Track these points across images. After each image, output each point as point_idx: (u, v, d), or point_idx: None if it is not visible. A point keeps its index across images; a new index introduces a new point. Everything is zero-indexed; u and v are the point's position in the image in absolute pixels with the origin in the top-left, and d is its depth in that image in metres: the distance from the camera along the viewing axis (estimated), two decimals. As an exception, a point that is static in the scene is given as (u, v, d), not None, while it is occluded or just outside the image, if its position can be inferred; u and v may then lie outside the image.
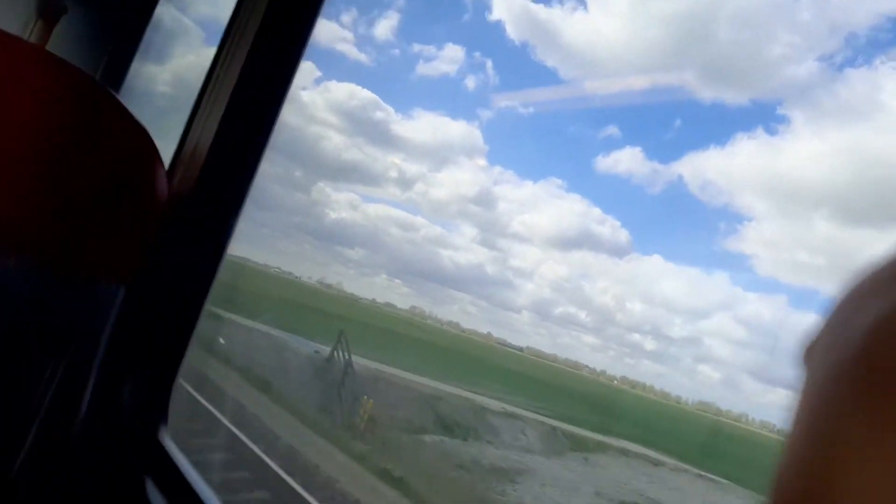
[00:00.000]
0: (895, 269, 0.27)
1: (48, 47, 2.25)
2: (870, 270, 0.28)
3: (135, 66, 2.61)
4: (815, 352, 0.29)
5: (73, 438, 1.50)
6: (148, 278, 1.60)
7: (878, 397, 0.24)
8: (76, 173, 1.46)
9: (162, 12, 2.71)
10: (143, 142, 1.54)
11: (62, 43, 2.34)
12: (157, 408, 1.60)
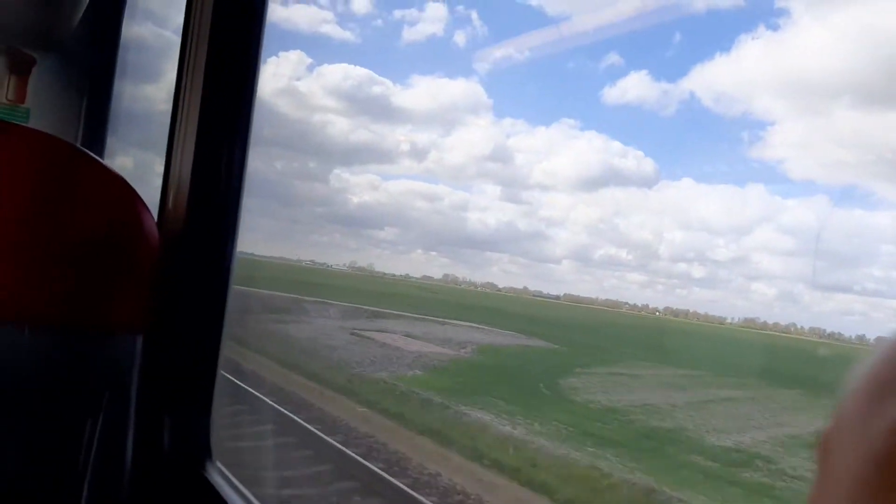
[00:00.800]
0: None
1: (27, 100, 2.26)
2: (887, 359, 0.26)
3: (126, 89, 2.60)
4: (833, 444, 0.27)
5: (124, 492, 1.52)
6: (162, 321, 1.59)
7: None
8: (70, 237, 1.50)
9: (140, 31, 2.68)
10: (123, 192, 1.55)
11: (40, 91, 2.35)
12: (199, 445, 1.61)
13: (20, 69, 2.21)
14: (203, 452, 1.60)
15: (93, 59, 2.46)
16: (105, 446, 1.49)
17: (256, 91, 1.71)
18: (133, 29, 2.63)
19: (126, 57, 2.55)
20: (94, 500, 1.47)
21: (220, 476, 1.55)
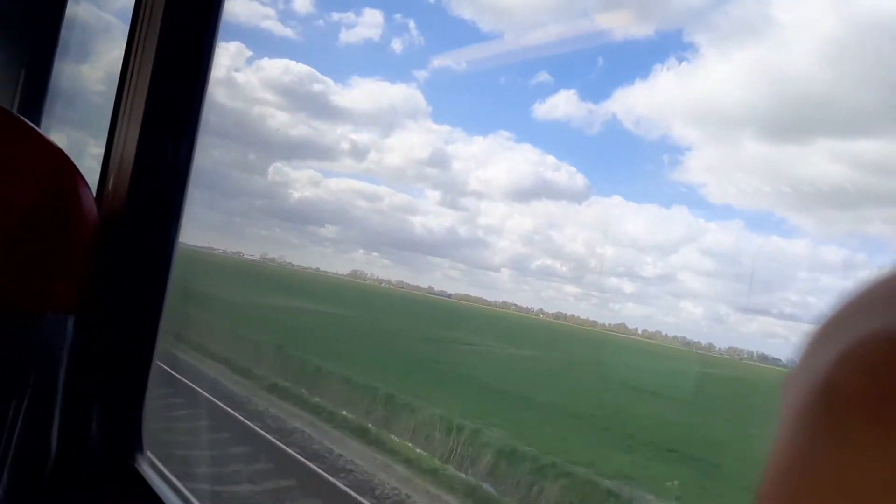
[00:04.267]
0: (859, 304, 0.29)
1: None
2: (839, 306, 0.30)
3: (66, 69, 2.51)
4: (789, 382, 0.31)
5: (47, 479, 1.44)
6: (96, 302, 1.53)
7: (836, 428, 0.26)
8: None
9: (77, 11, 2.60)
10: (60, 163, 1.47)
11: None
12: (130, 434, 1.54)
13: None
14: (133, 443, 1.53)
15: (33, 34, 2.36)
16: (29, 431, 1.41)
17: (209, 79, 1.68)
18: (78, 7, 2.56)
19: (69, 36, 2.47)
20: (14, 486, 1.39)
21: (151, 468, 1.49)
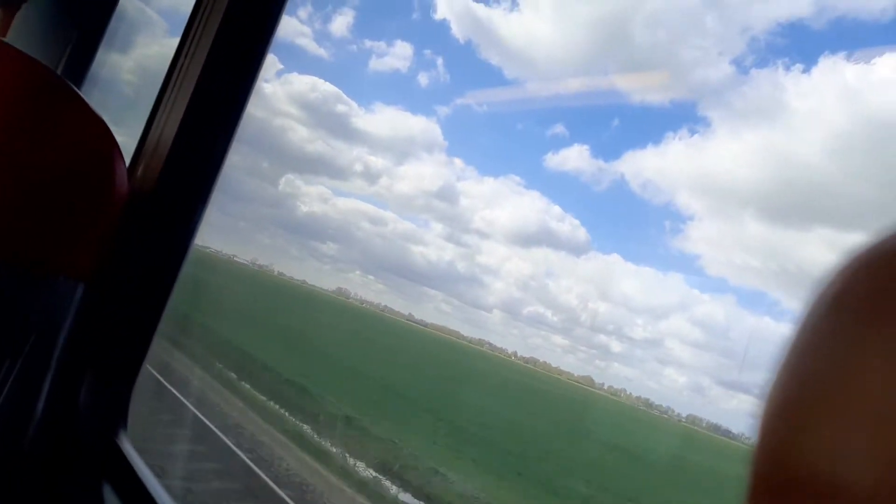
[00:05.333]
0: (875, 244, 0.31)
1: (7, 37, 2.18)
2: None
3: (99, 56, 2.54)
4: (803, 315, 0.32)
5: (28, 440, 1.45)
6: (108, 275, 1.55)
7: (844, 328, 0.28)
8: (32, 166, 1.41)
9: (125, 3, 2.64)
10: (102, 135, 1.50)
11: (22, 33, 2.27)
12: (116, 410, 1.55)
13: (8, 5, 2.14)
14: (118, 418, 1.54)
15: (88, 8, 2.41)
16: (18, 391, 1.42)
17: (255, 82, 1.73)
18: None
19: (117, 25, 2.52)
20: None
21: (131, 446, 1.50)
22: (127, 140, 1.63)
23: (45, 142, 1.43)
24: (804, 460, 0.28)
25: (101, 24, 2.46)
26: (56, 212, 1.44)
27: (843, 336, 0.29)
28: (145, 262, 1.58)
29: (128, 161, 1.64)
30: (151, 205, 1.59)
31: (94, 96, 2.53)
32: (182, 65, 1.68)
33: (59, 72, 2.34)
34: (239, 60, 1.67)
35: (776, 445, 0.30)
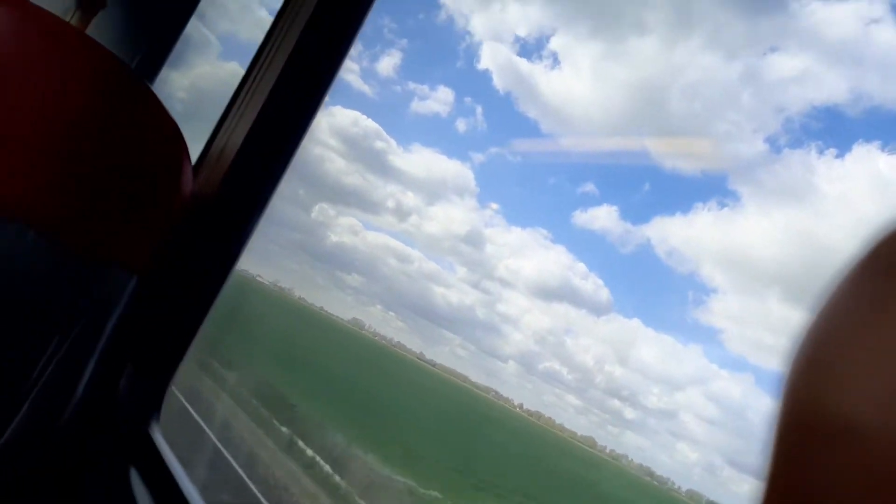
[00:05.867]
0: None
1: (88, 32, 2.28)
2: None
3: (166, 68, 2.64)
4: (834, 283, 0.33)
5: (65, 421, 1.50)
6: (161, 271, 1.61)
7: (877, 287, 0.28)
8: (103, 157, 1.47)
9: (190, 25, 2.75)
10: (173, 136, 1.57)
11: (98, 36, 2.38)
12: (151, 401, 1.59)
13: (87, 8, 2.24)
14: (153, 409, 1.58)
15: (162, 21, 2.52)
16: (62, 371, 1.47)
17: (322, 103, 1.80)
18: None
19: (195, 28, 2.63)
20: (33, 417, 1.44)
21: (162, 437, 1.54)
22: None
23: (119, 135, 1.50)
24: (828, 406, 0.29)
25: (169, 42, 2.56)
26: (121, 203, 1.50)
27: (868, 293, 0.29)
28: (197, 263, 1.64)
29: (195, 164, 1.71)
30: (211, 209, 1.65)
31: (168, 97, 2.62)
32: (254, 78, 1.77)
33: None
34: (305, 86, 1.74)
35: (801, 394, 0.31)
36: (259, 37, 1.91)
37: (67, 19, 2.30)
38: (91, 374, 1.52)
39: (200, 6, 2.69)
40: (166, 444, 1.51)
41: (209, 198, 1.66)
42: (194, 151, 1.80)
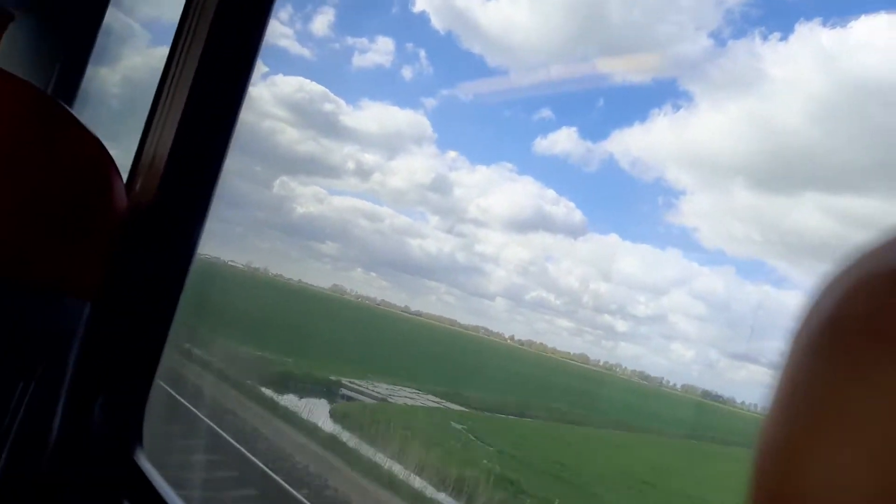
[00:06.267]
0: (868, 253, 0.30)
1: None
2: (847, 258, 0.31)
3: (88, 73, 2.52)
4: (800, 323, 0.31)
5: (45, 463, 1.45)
6: (114, 293, 1.54)
7: (844, 352, 0.27)
8: (31, 189, 1.41)
9: (110, 16, 2.62)
10: (97, 152, 1.49)
11: (11, 52, 2.25)
12: (131, 428, 1.55)
13: (-5, 21, 2.11)
14: (134, 435, 1.54)
15: (75, 26, 2.39)
16: (33, 413, 1.42)
17: (247, 89, 1.72)
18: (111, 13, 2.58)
19: (111, 26, 2.50)
20: (13, 467, 1.39)
21: (148, 462, 1.50)
22: (121, 154, 1.63)
23: (42, 163, 1.43)
24: (802, 495, 0.27)
25: (89, 41, 2.44)
26: (58, 232, 1.44)
27: (838, 364, 0.28)
28: (150, 276, 1.58)
29: (125, 176, 1.63)
30: (152, 218, 1.58)
31: (85, 114, 2.51)
32: (173, 76, 1.67)
33: (49, 91, 2.32)
34: (229, 67, 1.66)
35: (773, 480, 0.29)
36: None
37: None
38: (63, 412, 1.47)
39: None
40: (154, 469, 1.47)
41: (149, 205, 1.58)
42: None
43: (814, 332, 0.30)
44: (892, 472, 0.24)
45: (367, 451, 11.24)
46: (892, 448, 0.24)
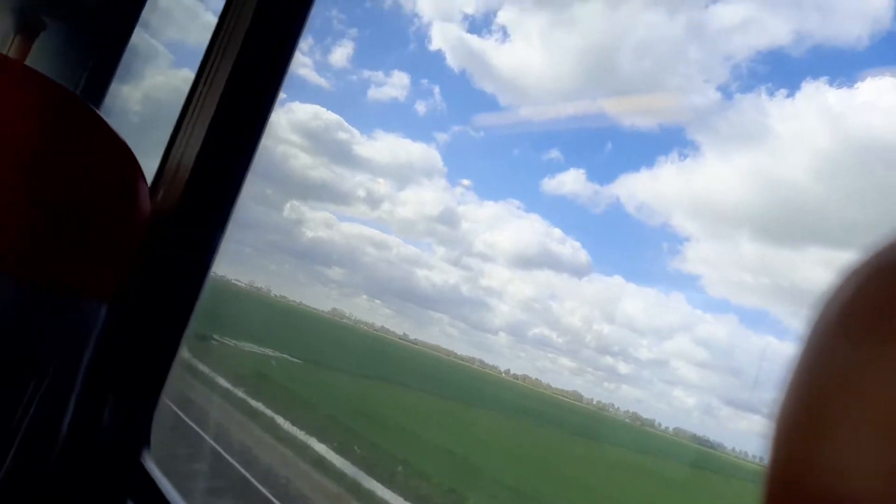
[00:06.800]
0: (877, 254, 0.30)
1: (27, 63, 2.22)
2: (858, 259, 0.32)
3: (114, 84, 2.57)
4: (810, 326, 0.32)
5: (53, 461, 1.46)
6: (131, 296, 1.56)
7: (852, 344, 0.28)
8: (57, 189, 1.43)
9: (136, 37, 2.68)
10: (125, 158, 1.52)
11: (41, 59, 2.32)
12: (139, 430, 1.56)
13: (29, 29, 2.18)
14: (142, 438, 1.55)
15: (104, 37, 2.44)
16: (43, 411, 1.43)
17: (274, 106, 1.76)
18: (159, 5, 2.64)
19: (141, 38, 2.56)
20: (20, 464, 1.40)
21: (155, 465, 1.51)
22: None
23: (69, 164, 1.45)
24: (817, 478, 0.28)
25: (118, 50, 2.49)
26: (80, 234, 1.46)
27: (852, 349, 0.28)
28: (167, 283, 1.61)
29: (152, 182, 1.67)
30: (173, 227, 1.61)
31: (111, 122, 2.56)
32: (201, 91, 1.72)
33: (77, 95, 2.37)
34: (256, 88, 1.71)
35: (788, 464, 0.30)
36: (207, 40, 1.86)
37: (7, 45, 2.23)
38: (73, 412, 1.48)
39: (143, 15, 2.63)
40: (160, 473, 1.48)
41: (171, 214, 1.61)
42: (155, 164, 1.76)
43: (829, 319, 0.30)
44: None
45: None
46: None
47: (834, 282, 0.32)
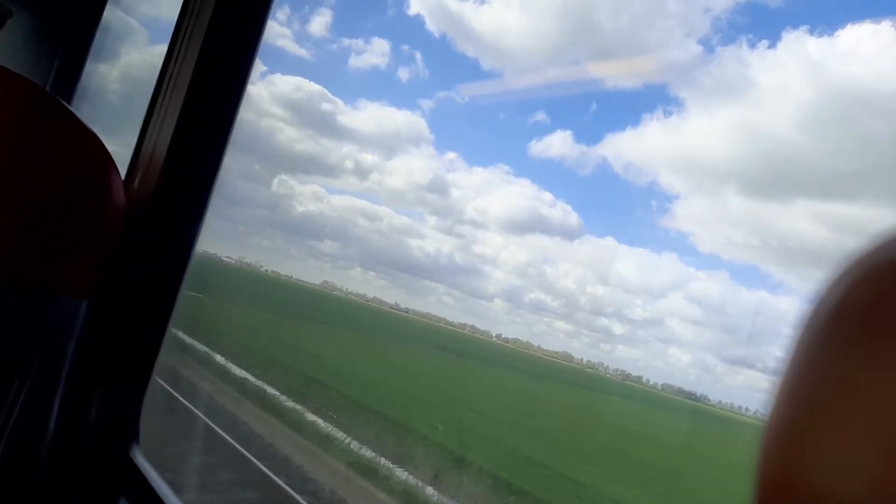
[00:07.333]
0: (872, 250, 0.30)
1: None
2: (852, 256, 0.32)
3: (87, 69, 2.51)
4: (800, 329, 0.32)
5: (41, 461, 1.43)
6: (111, 291, 1.53)
7: (846, 341, 0.28)
8: (27, 186, 1.39)
9: (108, 13, 2.61)
10: (95, 149, 1.48)
11: (9, 49, 2.25)
12: (127, 425, 1.54)
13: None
14: (130, 433, 1.53)
15: (73, 22, 2.37)
16: (29, 411, 1.40)
17: (246, 87, 1.71)
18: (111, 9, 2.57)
19: (110, 24, 2.49)
20: (9, 464, 1.38)
21: (145, 460, 1.49)
22: (119, 150, 1.62)
23: (39, 160, 1.41)
24: (807, 481, 0.28)
25: (87, 37, 2.42)
26: (55, 230, 1.42)
27: (843, 351, 0.28)
28: (148, 274, 1.57)
29: (123, 173, 1.62)
30: (150, 215, 1.57)
31: (84, 110, 2.50)
32: (171, 73, 1.67)
33: (47, 88, 2.31)
34: (228, 65, 1.66)
35: (778, 467, 0.29)
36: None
37: None
38: (60, 410, 1.46)
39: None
40: (150, 467, 1.46)
41: (148, 202, 1.57)
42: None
43: (819, 322, 0.30)
44: (895, 459, 0.24)
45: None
46: (894, 435, 0.25)
47: (824, 283, 0.32)
